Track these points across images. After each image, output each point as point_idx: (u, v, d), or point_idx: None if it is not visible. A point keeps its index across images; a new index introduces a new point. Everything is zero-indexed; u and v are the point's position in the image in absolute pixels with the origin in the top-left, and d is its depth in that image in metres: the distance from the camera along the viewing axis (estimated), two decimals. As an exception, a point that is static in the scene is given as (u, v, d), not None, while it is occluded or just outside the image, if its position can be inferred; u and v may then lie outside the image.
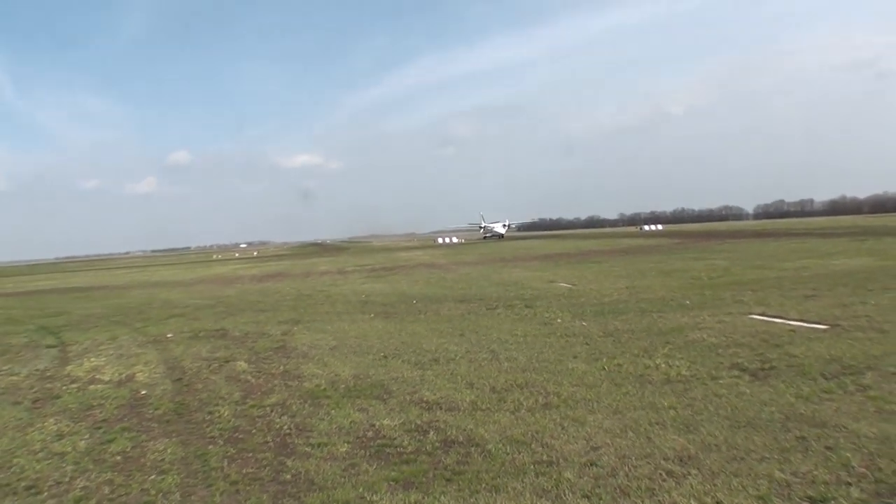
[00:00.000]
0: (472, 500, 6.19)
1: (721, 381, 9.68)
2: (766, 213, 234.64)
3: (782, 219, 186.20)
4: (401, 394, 10.37)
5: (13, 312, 31.66)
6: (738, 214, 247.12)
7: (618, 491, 6.12)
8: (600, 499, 6.00)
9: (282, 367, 13.18)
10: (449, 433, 8.21)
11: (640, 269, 32.31)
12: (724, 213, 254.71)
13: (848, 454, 6.57)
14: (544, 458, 7.10)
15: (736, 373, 10.14)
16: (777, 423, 7.69)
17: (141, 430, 9.31)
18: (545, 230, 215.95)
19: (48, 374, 14.08)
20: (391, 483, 6.74)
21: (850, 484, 5.92)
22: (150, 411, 10.40)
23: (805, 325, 13.62)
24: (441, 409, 9.36)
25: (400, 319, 19.35)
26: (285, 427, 9.01)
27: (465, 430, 8.28)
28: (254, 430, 8.97)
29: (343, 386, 11.20)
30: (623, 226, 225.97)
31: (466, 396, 9.89)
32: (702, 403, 8.64)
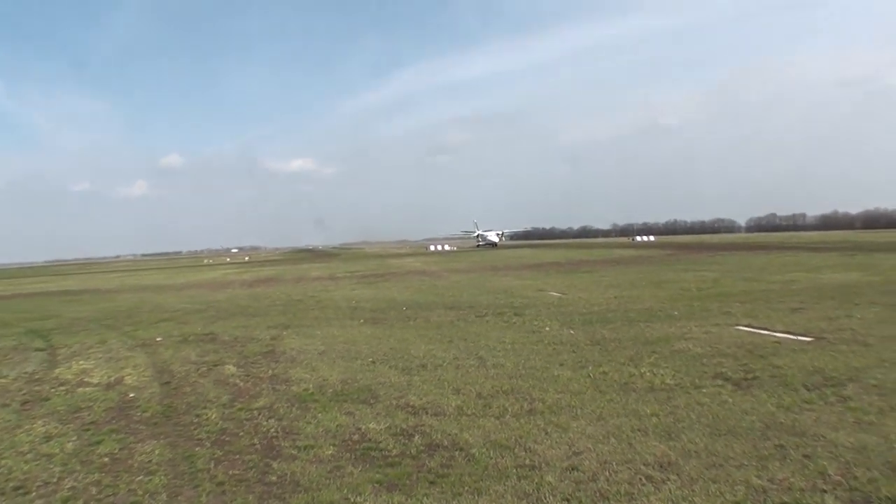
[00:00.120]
0: (454, 503, 6.29)
1: (704, 390, 9.81)
2: (758, 226, 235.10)
3: (774, 232, 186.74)
4: (387, 398, 10.45)
5: (2, 315, 31.54)
6: (730, 227, 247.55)
7: (598, 495, 6.22)
8: (580, 502, 6.11)
9: (270, 371, 13.24)
10: (434, 437, 8.30)
11: (630, 279, 32.49)
12: (716, 225, 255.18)
13: (825, 462, 6.70)
14: (527, 462, 7.20)
15: (719, 382, 10.27)
16: (757, 431, 7.82)
17: (129, 433, 9.36)
18: (538, 239, 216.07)
19: (37, 376, 14.08)
20: (375, 485, 6.83)
21: (825, 491, 6.03)
22: (139, 414, 10.44)
23: (790, 336, 13.78)
24: (427, 413, 9.45)
25: (389, 325, 19.44)
26: (272, 430, 9.08)
27: (449, 434, 8.37)
28: (241, 433, 9.03)
29: (330, 390, 11.28)
30: (615, 236, 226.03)
31: (452, 402, 9.98)
32: (684, 411, 8.77)
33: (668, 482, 6.41)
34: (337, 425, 9.10)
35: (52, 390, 12.52)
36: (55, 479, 7.57)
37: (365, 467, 7.39)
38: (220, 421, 9.70)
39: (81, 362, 15.50)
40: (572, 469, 6.91)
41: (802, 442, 7.34)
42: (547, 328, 16.96)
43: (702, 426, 8.10)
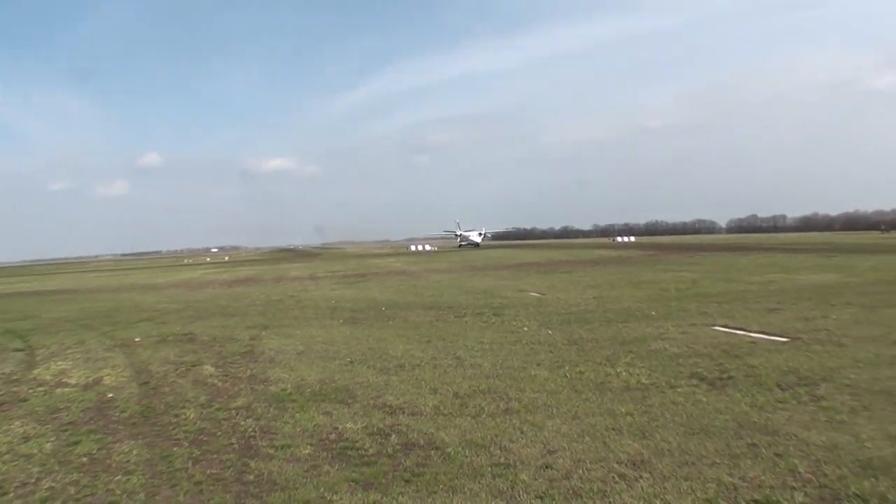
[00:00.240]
0: (429, 501, 6.35)
1: (679, 390, 9.93)
2: (738, 227, 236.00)
3: (754, 233, 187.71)
4: (365, 398, 10.50)
5: (-21, 314, 31.24)
6: (710, 228, 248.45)
7: (571, 492, 6.30)
8: (553, 499, 6.18)
9: (248, 372, 13.25)
10: (410, 436, 8.36)
11: (609, 279, 32.70)
12: (697, 226, 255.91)
13: (796, 461, 6.82)
14: (502, 460, 7.28)
15: (694, 382, 10.40)
16: (730, 430, 7.93)
17: (107, 433, 9.34)
18: (519, 239, 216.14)
19: (14, 377, 13.99)
20: (351, 484, 6.87)
21: (794, 488, 6.14)
22: (117, 414, 10.42)
23: (766, 337, 13.97)
24: (404, 413, 9.51)
25: (368, 326, 19.48)
26: (250, 430, 9.10)
27: (426, 433, 8.43)
28: (219, 433, 9.04)
29: (308, 390, 11.30)
30: (596, 237, 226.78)
31: (429, 401, 10.04)
32: (658, 410, 8.88)
33: (641, 480, 6.50)
34: (314, 425, 9.14)
35: (31, 391, 12.45)
36: (33, 480, 7.55)
37: (341, 466, 7.43)
38: (198, 421, 9.70)
39: (60, 363, 15.40)
40: (546, 467, 6.99)
41: (774, 441, 7.46)
42: (525, 328, 17.06)
43: (676, 425, 8.21)
